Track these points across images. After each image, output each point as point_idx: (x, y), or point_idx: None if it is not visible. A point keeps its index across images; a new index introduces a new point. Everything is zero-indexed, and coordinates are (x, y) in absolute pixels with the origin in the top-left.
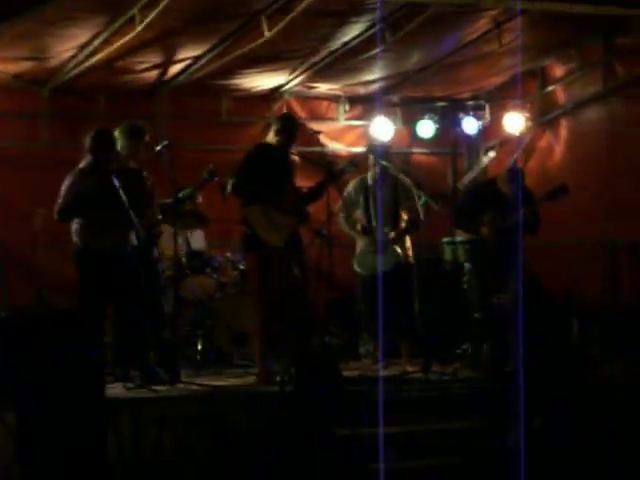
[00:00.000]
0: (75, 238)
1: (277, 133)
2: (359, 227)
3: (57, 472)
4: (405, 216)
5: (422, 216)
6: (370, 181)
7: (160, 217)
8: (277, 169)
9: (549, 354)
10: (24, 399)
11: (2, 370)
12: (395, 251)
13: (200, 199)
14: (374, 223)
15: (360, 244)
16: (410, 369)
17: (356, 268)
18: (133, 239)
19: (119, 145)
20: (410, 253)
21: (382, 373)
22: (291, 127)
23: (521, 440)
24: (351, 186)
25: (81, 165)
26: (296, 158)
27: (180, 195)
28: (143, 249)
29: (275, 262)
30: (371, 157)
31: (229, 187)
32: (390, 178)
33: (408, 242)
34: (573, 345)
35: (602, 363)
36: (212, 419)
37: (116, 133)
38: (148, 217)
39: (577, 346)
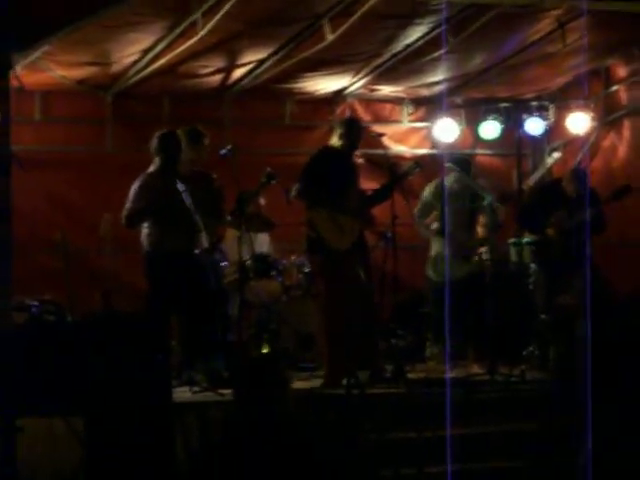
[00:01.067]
0: (144, 242)
1: (341, 137)
2: (434, 227)
3: (125, 477)
4: (483, 220)
5: (500, 220)
6: (448, 187)
7: (229, 218)
8: (341, 172)
9: (616, 354)
10: (91, 404)
11: (70, 375)
12: (472, 258)
13: (263, 202)
14: (451, 229)
15: (435, 247)
16: (477, 371)
17: (430, 273)
18: (204, 242)
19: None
20: (486, 257)
21: (449, 375)
22: (355, 131)
23: (590, 451)
24: (428, 190)
25: (149, 169)
26: (360, 160)
27: (240, 198)
28: (213, 252)
29: (341, 265)
30: (450, 165)
31: (294, 191)
32: (468, 186)
33: (484, 248)
34: None
35: None
36: (277, 421)
37: None
38: (215, 220)
39: None
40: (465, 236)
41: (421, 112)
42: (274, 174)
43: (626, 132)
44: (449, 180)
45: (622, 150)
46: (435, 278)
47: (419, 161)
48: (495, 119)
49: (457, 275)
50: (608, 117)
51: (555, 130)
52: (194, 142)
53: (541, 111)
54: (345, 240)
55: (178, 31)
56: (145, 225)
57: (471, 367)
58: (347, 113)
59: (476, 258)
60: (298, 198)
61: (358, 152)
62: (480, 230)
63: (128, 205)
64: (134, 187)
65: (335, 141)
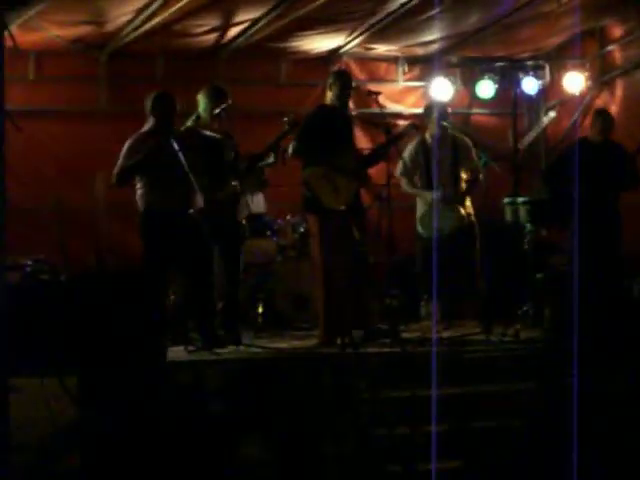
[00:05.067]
0: (138, 202)
1: (332, 90)
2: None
3: (117, 436)
4: (465, 176)
5: (482, 175)
6: (429, 140)
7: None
8: (337, 130)
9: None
10: (85, 363)
11: (64, 333)
12: (459, 212)
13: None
14: (435, 183)
15: (421, 205)
16: (472, 330)
17: (419, 229)
18: (200, 201)
19: (201, 107)
20: (472, 212)
21: (443, 334)
22: (345, 80)
23: (575, 404)
24: (411, 147)
25: (143, 129)
26: (356, 119)
27: (266, 162)
28: (208, 213)
29: (336, 224)
30: (429, 116)
31: (290, 150)
32: (449, 138)
33: (469, 202)
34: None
35: None
36: (273, 380)
37: (199, 96)
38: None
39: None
40: (451, 190)
41: (416, 71)
42: (298, 121)
43: (619, 92)
44: (429, 135)
45: (614, 110)
46: (426, 234)
47: (415, 122)
48: (490, 78)
49: (447, 229)
50: (604, 77)
51: (550, 90)
52: (216, 100)
53: (536, 70)
54: (341, 199)
55: None
56: (138, 185)
57: (470, 325)
58: None
59: (463, 211)
60: (294, 157)
61: (354, 111)
62: (463, 185)
63: (119, 162)
64: (126, 145)
65: (329, 97)
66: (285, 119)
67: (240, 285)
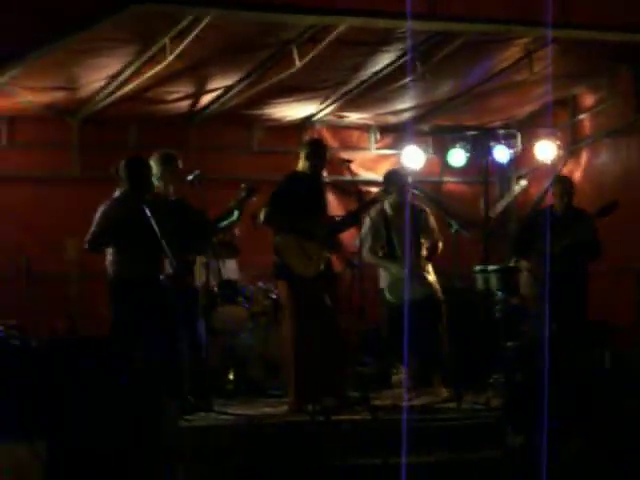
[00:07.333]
0: (109, 268)
1: (306, 158)
2: (380, 254)
3: None
4: (425, 243)
5: (441, 243)
6: (389, 210)
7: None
8: (309, 198)
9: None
10: (54, 428)
11: (33, 398)
12: (426, 280)
13: (237, 232)
14: (398, 252)
15: (385, 274)
16: (445, 397)
17: (388, 297)
18: (168, 268)
19: (154, 174)
20: (435, 278)
21: (414, 402)
22: (320, 150)
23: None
24: (371, 217)
25: (115, 194)
26: (328, 186)
27: (223, 224)
28: (178, 278)
29: (307, 291)
30: (389, 185)
31: (261, 217)
32: (409, 206)
33: (431, 269)
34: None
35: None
36: (244, 448)
37: (150, 162)
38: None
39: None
40: (415, 257)
41: (389, 139)
42: (254, 188)
43: (583, 160)
44: (389, 204)
45: (577, 177)
46: (394, 302)
47: (388, 189)
48: (462, 147)
49: (416, 296)
50: (575, 145)
51: (522, 158)
52: (166, 164)
53: (508, 139)
54: (312, 267)
55: (146, 57)
56: (109, 251)
57: (439, 393)
58: None
59: (430, 279)
60: (265, 224)
61: (327, 178)
62: (424, 252)
63: (92, 229)
64: (99, 211)
65: (301, 165)
66: (242, 185)
67: (202, 350)
